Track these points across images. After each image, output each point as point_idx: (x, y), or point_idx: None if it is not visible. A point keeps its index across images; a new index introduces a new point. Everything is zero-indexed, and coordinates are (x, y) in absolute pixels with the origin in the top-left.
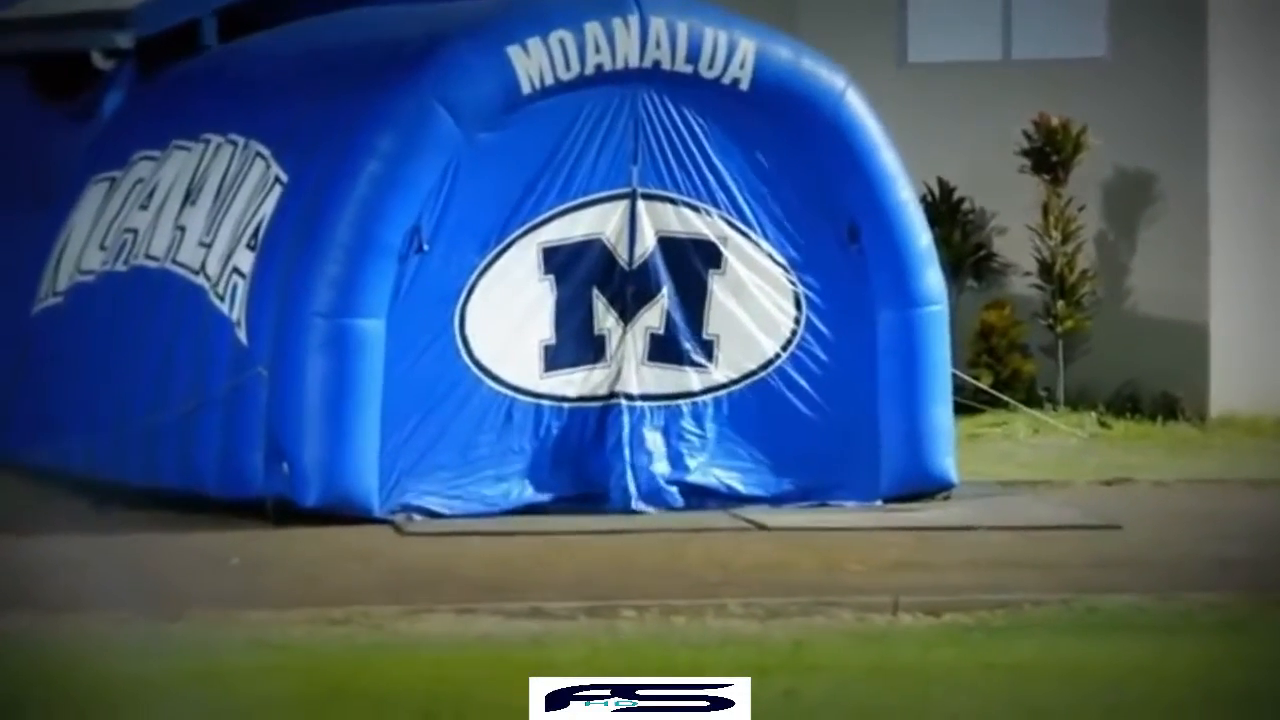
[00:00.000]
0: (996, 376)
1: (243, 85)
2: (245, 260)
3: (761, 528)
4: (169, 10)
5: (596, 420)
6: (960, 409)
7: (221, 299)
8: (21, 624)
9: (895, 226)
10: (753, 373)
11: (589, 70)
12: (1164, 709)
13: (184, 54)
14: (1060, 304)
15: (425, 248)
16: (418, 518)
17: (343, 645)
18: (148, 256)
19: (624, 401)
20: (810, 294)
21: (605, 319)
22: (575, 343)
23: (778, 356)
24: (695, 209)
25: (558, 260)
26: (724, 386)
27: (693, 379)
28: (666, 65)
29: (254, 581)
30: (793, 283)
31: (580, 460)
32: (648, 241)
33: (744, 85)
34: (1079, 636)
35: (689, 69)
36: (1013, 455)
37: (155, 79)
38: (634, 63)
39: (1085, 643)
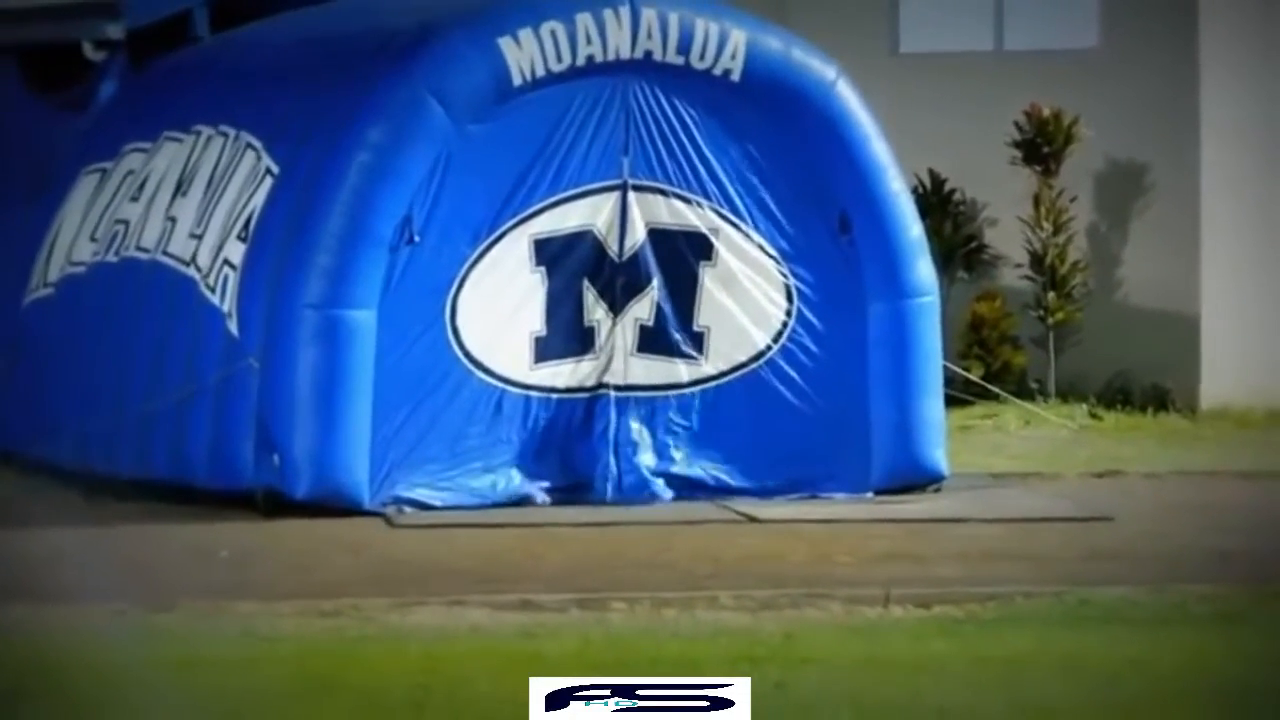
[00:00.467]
0: (987, 368)
1: (234, 76)
2: (236, 252)
3: (752, 520)
4: (160, 1)
5: (584, 411)
6: (951, 401)
7: (212, 290)
8: (12, 615)
9: (886, 218)
10: (743, 364)
11: (580, 61)
12: (1156, 701)
13: (175, 45)
14: (1051, 296)
15: (416, 239)
16: (408, 510)
17: (333, 637)
18: (139, 248)
19: (611, 392)
20: (801, 285)
21: (595, 310)
22: (565, 334)
23: (769, 348)
24: (686, 200)
25: (549, 252)
26: (714, 378)
27: (682, 370)
28: (658, 56)
29: (244, 573)
30: (784, 274)
31: (567, 451)
32: (638, 233)
33: (735, 76)
34: (1070, 628)
35: (680, 60)
36: (1003, 447)
37: (146, 70)
38: (625, 54)
39: (1077, 635)
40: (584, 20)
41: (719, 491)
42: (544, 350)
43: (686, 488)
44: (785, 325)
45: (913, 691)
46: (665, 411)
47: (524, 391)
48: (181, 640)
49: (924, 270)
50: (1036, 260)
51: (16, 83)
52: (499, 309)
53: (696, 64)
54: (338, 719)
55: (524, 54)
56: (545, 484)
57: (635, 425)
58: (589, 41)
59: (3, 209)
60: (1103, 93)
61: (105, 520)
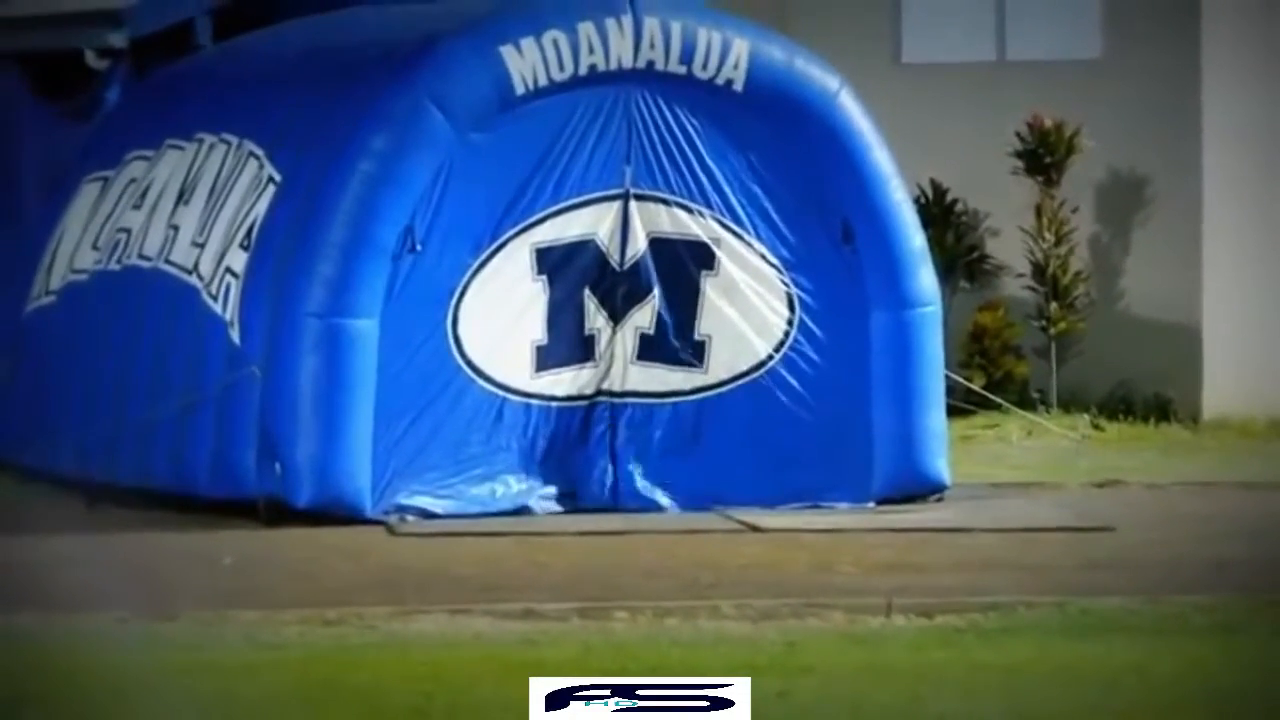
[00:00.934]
0: (989, 378)
1: (236, 85)
2: (238, 260)
3: (754, 529)
4: (163, 10)
5: (582, 418)
6: (953, 411)
7: (214, 299)
8: (14, 623)
9: (888, 227)
10: (745, 374)
11: (582, 70)
12: (1156, 711)
13: (178, 53)
14: (1053, 306)
15: (419, 247)
16: (410, 518)
17: (335, 645)
18: (140, 256)
19: (610, 400)
20: (803, 295)
21: (596, 319)
22: (566, 343)
23: (770, 358)
24: (688, 210)
25: (550, 261)
26: (715, 387)
27: (682, 379)
28: (660, 66)
29: (246, 581)
30: (785, 284)
31: (565, 458)
32: (639, 242)
33: (737, 86)
34: (1071, 638)
35: (682, 69)
36: (1005, 457)
37: (149, 78)
38: (627, 63)
39: (1077, 644)
40: (586, 29)
41: (719, 500)
42: (545, 359)
43: (686, 496)
44: (787, 335)
45: (914, 700)
46: (665, 420)
47: (524, 400)
48: (184, 648)
49: (926, 280)
50: (1038, 270)
51: (23, 90)
52: (500, 318)
53: (699, 73)
54: None
55: (526, 63)
56: (544, 492)
57: (635, 433)
58: (591, 50)
59: (11, 216)
60: (1105, 103)
61: (107, 528)
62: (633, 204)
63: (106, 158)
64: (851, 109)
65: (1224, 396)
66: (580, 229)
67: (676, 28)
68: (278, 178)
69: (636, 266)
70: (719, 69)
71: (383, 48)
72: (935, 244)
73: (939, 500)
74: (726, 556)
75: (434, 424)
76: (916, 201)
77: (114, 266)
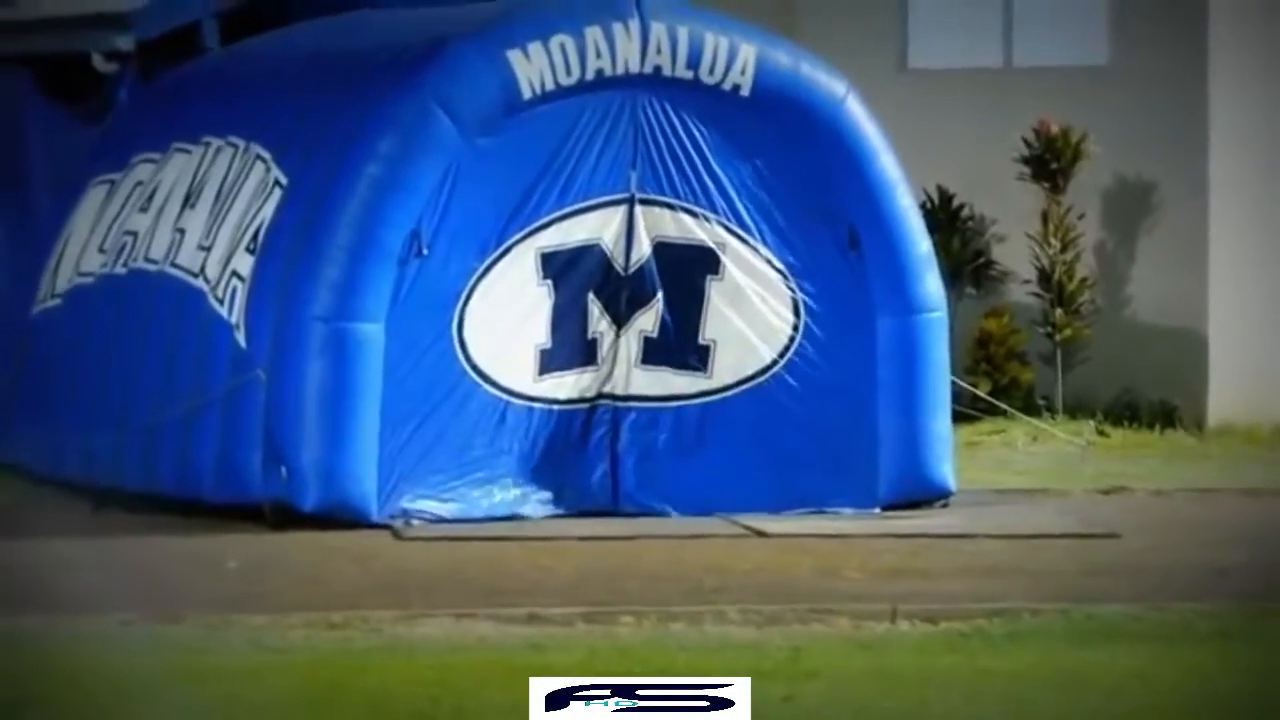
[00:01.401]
0: (995, 384)
1: (243, 88)
2: (245, 264)
3: (760, 534)
4: (169, 13)
5: (583, 422)
6: (958, 417)
7: (221, 302)
8: (20, 625)
9: (895, 233)
10: (750, 378)
11: (589, 75)
12: (1160, 717)
13: (184, 56)
14: (1059, 312)
15: (425, 251)
16: (415, 522)
17: (341, 649)
18: (147, 259)
19: (612, 403)
20: (809, 300)
21: (599, 323)
22: (569, 346)
23: (775, 363)
24: (694, 215)
25: (555, 265)
26: (719, 391)
27: (687, 383)
28: (667, 71)
29: (252, 585)
30: (791, 289)
31: (567, 461)
32: (644, 247)
33: (744, 91)
34: (1076, 645)
35: (689, 74)
36: (1010, 463)
37: (155, 81)
38: (634, 68)
39: (1083, 651)
40: (593, 34)
41: (724, 505)
42: (548, 362)
43: (690, 501)
44: (792, 340)
45: (920, 706)
46: (669, 424)
47: (527, 403)
48: (189, 651)
49: (932, 286)
50: (1044, 276)
51: (32, 92)
52: (505, 322)
53: (706, 78)
54: None
55: (533, 67)
56: (544, 495)
57: (638, 436)
58: (598, 55)
59: (21, 217)
60: (1111, 109)
61: (112, 531)
62: (638, 209)
63: (113, 160)
64: (858, 114)
65: (1229, 403)
66: (585, 233)
67: (683, 33)
68: (284, 181)
69: (641, 271)
70: (726, 74)
71: (390, 51)
72: (941, 250)
73: (944, 506)
74: (732, 561)
75: (439, 428)
76: (922, 207)
77: (120, 270)
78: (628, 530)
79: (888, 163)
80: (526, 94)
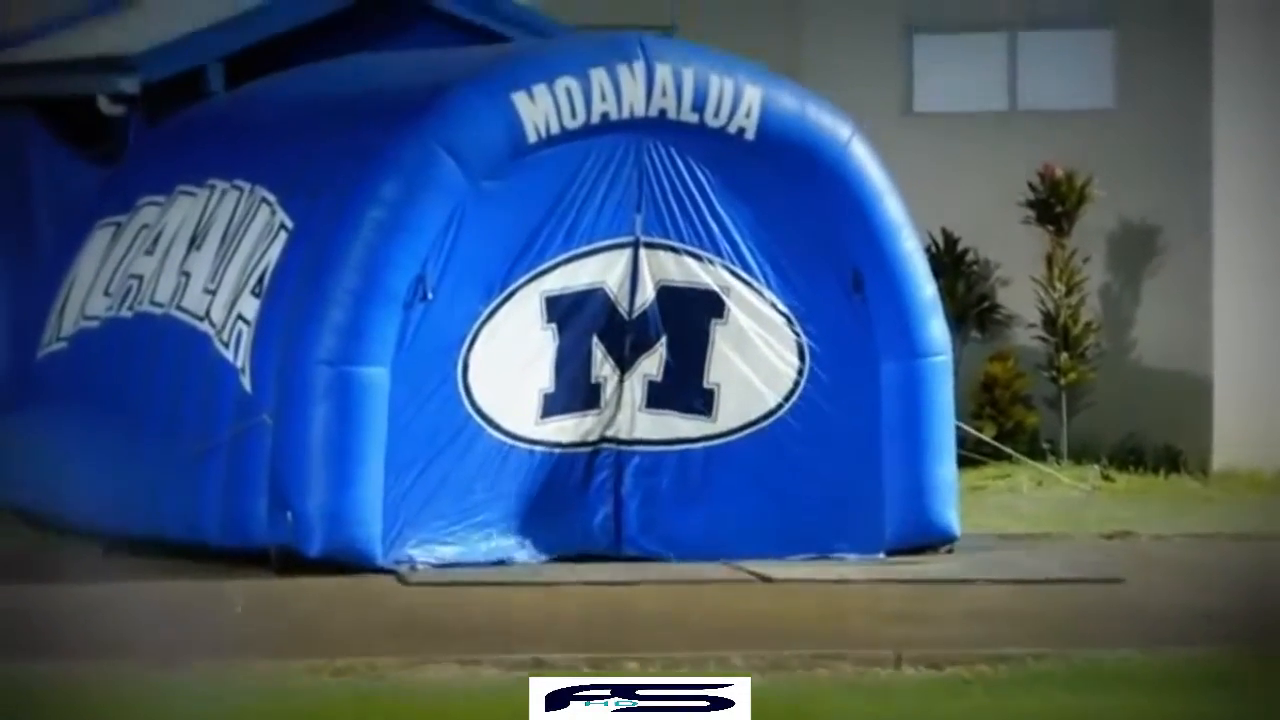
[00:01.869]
0: (999, 428)
1: (248, 131)
2: (250, 307)
3: (764, 579)
4: (175, 56)
5: (585, 465)
6: (963, 461)
7: (226, 346)
8: (26, 670)
9: (899, 277)
10: (754, 422)
11: (595, 118)
12: None
13: (190, 100)
14: (1064, 356)
15: (430, 295)
16: (420, 566)
17: (345, 694)
18: (152, 303)
19: (615, 446)
20: (813, 344)
21: (603, 366)
22: (572, 390)
23: (780, 406)
24: (698, 258)
25: (560, 309)
26: (723, 435)
27: (691, 427)
28: (672, 114)
29: (257, 630)
30: (796, 333)
31: (568, 504)
32: (648, 291)
33: (749, 134)
34: (1079, 690)
35: (694, 118)
36: (1015, 508)
37: (160, 124)
38: (640, 111)
39: (1085, 697)
40: (598, 77)
41: (728, 549)
42: (551, 406)
43: (694, 545)
44: (797, 384)
45: None
46: (673, 468)
47: (530, 447)
48: (195, 696)
49: (937, 329)
50: (1049, 321)
51: (40, 133)
52: (510, 366)
53: (711, 121)
54: None
55: (538, 110)
56: (548, 539)
57: (641, 479)
58: (603, 98)
59: (27, 260)
60: (1115, 153)
61: (120, 575)
62: (642, 252)
63: (119, 203)
64: (863, 158)
65: (1233, 447)
66: (590, 277)
67: (688, 75)
68: (290, 224)
69: (645, 315)
70: (731, 117)
71: (394, 94)
72: (946, 293)
73: (948, 551)
74: (736, 607)
75: (444, 472)
76: (927, 251)
77: (126, 313)
78: (632, 575)
79: (892, 206)
80: (531, 137)
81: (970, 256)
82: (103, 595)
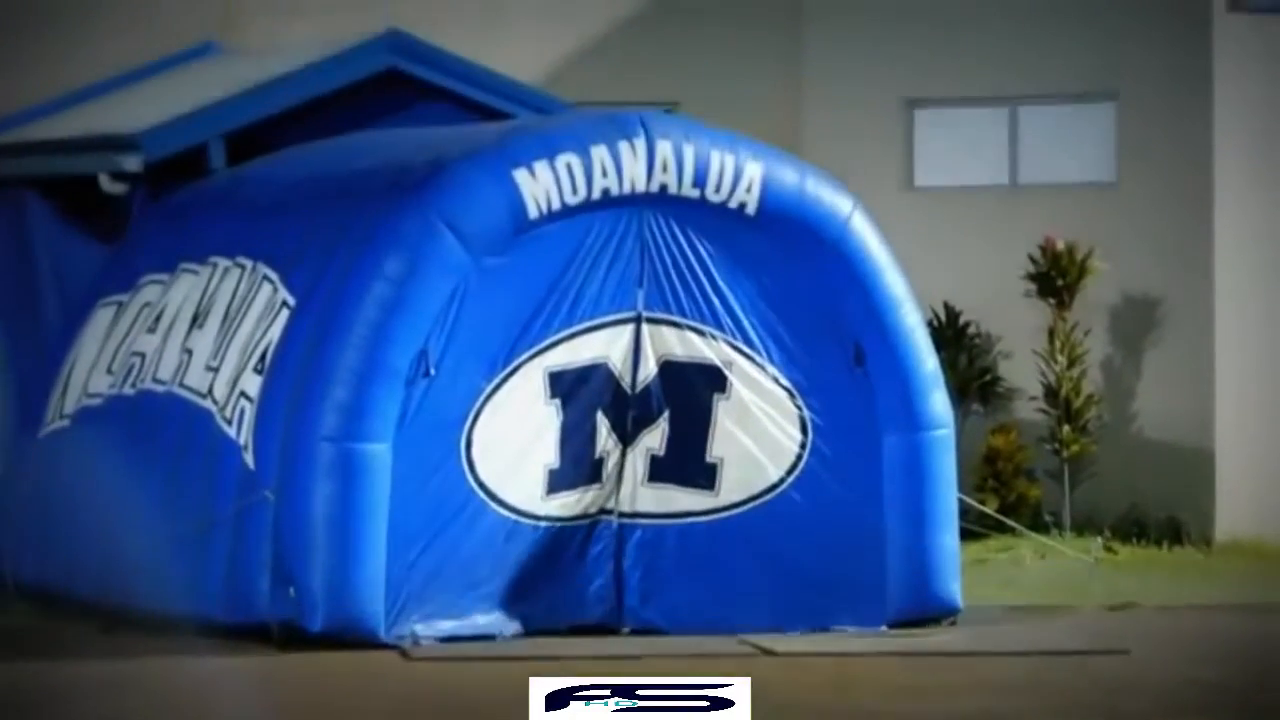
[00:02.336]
0: (1002, 501)
1: (250, 208)
2: (253, 384)
3: (767, 652)
4: (176, 134)
5: (583, 537)
6: (965, 534)
7: (229, 423)
8: None
9: (901, 350)
10: (757, 496)
11: (596, 194)
12: None
13: (192, 177)
14: (1066, 429)
15: (432, 371)
16: (423, 642)
17: None
18: (155, 380)
19: (617, 519)
20: (815, 418)
21: (606, 441)
22: (577, 465)
23: (783, 481)
24: (701, 333)
25: (563, 384)
26: (726, 509)
27: (693, 501)
28: (673, 190)
29: (260, 706)
30: (798, 406)
31: (567, 575)
32: (650, 366)
33: (750, 209)
34: None
35: (696, 193)
36: (1018, 580)
37: (162, 202)
38: (640, 187)
39: None
40: (599, 153)
41: (731, 622)
42: (556, 482)
43: (696, 618)
44: (800, 457)
45: None
46: (675, 541)
47: (534, 522)
48: None
49: (939, 403)
50: (1051, 393)
51: (44, 212)
52: (514, 442)
53: (712, 196)
54: None
55: (539, 186)
56: (547, 611)
57: (643, 554)
58: (604, 174)
59: (32, 338)
60: (1117, 227)
61: (122, 652)
62: (645, 327)
63: (121, 281)
64: (864, 232)
65: (1236, 519)
66: (593, 353)
67: (689, 151)
68: (292, 301)
69: (648, 390)
70: (732, 192)
71: (395, 172)
72: (948, 367)
73: (952, 623)
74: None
75: (447, 548)
76: (929, 324)
77: (128, 390)
78: (635, 649)
79: (894, 280)
80: (533, 213)
81: (972, 330)
82: (102, 673)
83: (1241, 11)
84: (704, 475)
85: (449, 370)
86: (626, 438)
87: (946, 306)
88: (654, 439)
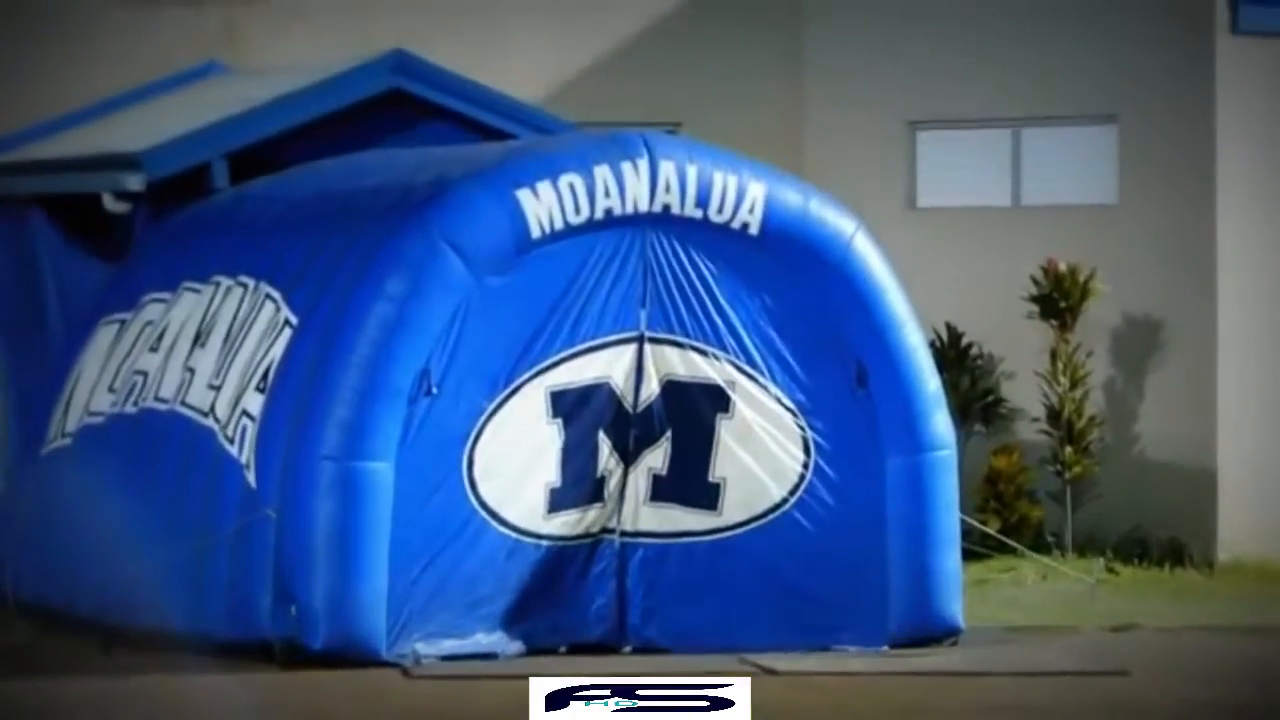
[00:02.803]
0: (1004, 522)
1: (253, 227)
2: (255, 403)
3: (768, 671)
4: (179, 153)
5: (585, 556)
6: (967, 554)
7: (231, 441)
8: None
9: (903, 371)
10: (759, 516)
11: (598, 214)
12: None
13: (195, 196)
14: (1068, 450)
15: (435, 390)
16: (424, 660)
17: None
18: (157, 399)
19: (617, 539)
20: (818, 438)
21: (608, 460)
22: (579, 484)
23: (785, 501)
24: (703, 353)
25: (565, 404)
26: (728, 529)
27: (696, 520)
28: (676, 209)
29: None
30: (801, 427)
31: (569, 594)
32: (653, 385)
33: (753, 229)
34: None
35: (699, 213)
36: (1020, 601)
37: (165, 221)
38: (643, 207)
39: None
40: (602, 173)
41: (732, 641)
42: (558, 501)
43: (698, 637)
44: (802, 478)
45: None
46: (677, 561)
47: (536, 541)
48: None
49: (941, 424)
50: (1053, 414)
51: (49, 231)
52: (516, 460)
53: (715, 217)
54: None
55: (542, 206)
56: (549, 630)
57: (645, 573)
58: (607, 194)
59: (36, 353)
60: (1119, 248)
61: (123, 670)
62: (647, 347)
63: (123, 300)
64: (867, 253)
65: (1238, 540)
66: (595, 372)
67: (692, 171)
68: (294, 320)
69: (650, 409)
70: (735, 213)
71: (398, 191)
72: (950, 388)
73: (954, 644)
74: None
75: (449, 566)
76: (932, 345)
77: (130, 409)
78: (637, 668)
79: (896, 300)
80: (536, 233)
81: (974, 351)
82: (102, 691)
83: (1244, 34)
84: (706, 495)
85: (451, 389)
86: (628, 457)
87: (949, 327)
88: (656, 458)
